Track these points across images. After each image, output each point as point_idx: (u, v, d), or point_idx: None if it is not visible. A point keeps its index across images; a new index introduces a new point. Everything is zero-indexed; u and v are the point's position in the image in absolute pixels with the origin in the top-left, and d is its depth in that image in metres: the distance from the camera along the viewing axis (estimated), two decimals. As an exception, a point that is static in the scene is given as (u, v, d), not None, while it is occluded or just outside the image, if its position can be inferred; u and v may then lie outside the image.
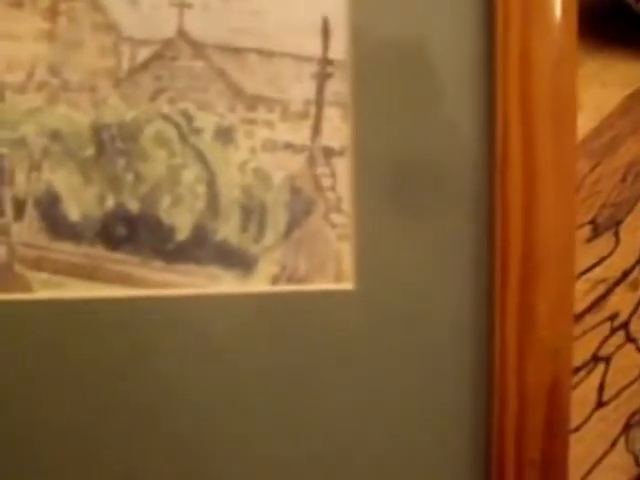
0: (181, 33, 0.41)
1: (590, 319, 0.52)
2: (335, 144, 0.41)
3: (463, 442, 0.43)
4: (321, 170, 0.41)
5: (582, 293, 0.52)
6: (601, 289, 0.52)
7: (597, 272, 0.52)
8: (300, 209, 0.41)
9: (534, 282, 0.40)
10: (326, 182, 0.41)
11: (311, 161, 0.41)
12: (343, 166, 0.41)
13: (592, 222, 0.52)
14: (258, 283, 0.41)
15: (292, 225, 0.41)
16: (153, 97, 0.41)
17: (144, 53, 0.41)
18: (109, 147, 0.41)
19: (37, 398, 0.41)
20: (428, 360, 0.41)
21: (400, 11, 0.41)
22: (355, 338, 0.41)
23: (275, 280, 0.41)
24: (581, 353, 0.52)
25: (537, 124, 0.38)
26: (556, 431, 0.40)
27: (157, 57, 0.41)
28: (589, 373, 0.52)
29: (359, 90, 0.41)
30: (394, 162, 0.41)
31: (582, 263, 0.52)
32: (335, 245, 0.41)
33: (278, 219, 0.41)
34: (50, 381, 0.41)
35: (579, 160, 0.51)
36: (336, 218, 0.41)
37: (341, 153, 0.41)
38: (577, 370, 0.52)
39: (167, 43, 0.41)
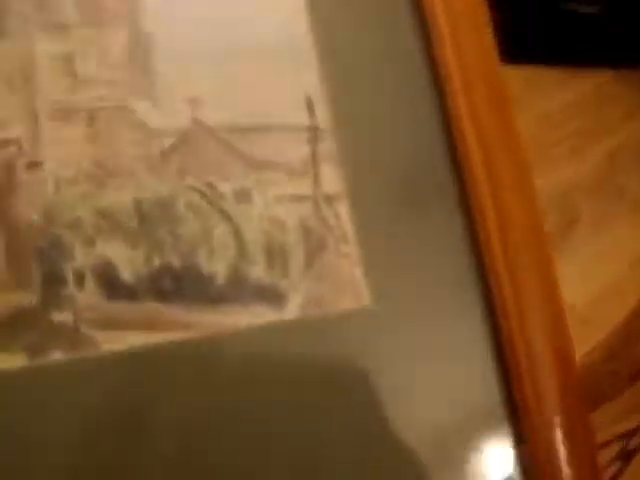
0: (196, 122, 0.57)
1: None
2: (332, 190, 0.57)
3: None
4: (326, 213, 0.57)
5: None
6: None
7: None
8: (314, 246, 0.56)
9: (517, 267, 0.55)
10: (332, 221, 0.56)
11: (316, 206, 0.57)
12: (343, 207, 0.57)
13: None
14: (290, 312, 0.55)
15: (310, 260, 0.56)
16: (181, 174, 0.56)
17: (169, 141, 0.56)
18: (150, 218, 0.55)
19: (119, 441, 0.52)
20: (445, 357, 0.55)
21: (365, 85, 0.58)
22: (376, 346, 0.55)
23: (304, 307, 0.55)
24: None
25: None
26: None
27: (180, 143, 0.57)
28: None
29: (345, 147, 0.57)
30: (381, 195, 0.57)
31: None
32: (349, 271, 0.56)
33: (298, 256, 0.56)
34: (122, 427, 0.52)
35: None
36: (345, 248, 0.56)
37: (338, 197, 0.57)
38: None
39: (186, 131, 0.56)
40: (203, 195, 0.58)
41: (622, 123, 0.79)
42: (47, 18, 0.59)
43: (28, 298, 0.55)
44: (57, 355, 0.54)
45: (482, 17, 0.58)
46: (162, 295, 0.56)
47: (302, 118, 0.60)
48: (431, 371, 0.57)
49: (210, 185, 0.58)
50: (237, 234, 0.57)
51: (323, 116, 0.60)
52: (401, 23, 0.61)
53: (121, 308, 0.56)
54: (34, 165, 0.57)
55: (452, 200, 0.59)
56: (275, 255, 0.57)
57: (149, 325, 0.56)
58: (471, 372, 0.58)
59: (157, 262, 0.56)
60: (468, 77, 0.58)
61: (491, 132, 0.58)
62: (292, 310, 0.57)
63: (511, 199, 0.59)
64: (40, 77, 0.58)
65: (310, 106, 0.60)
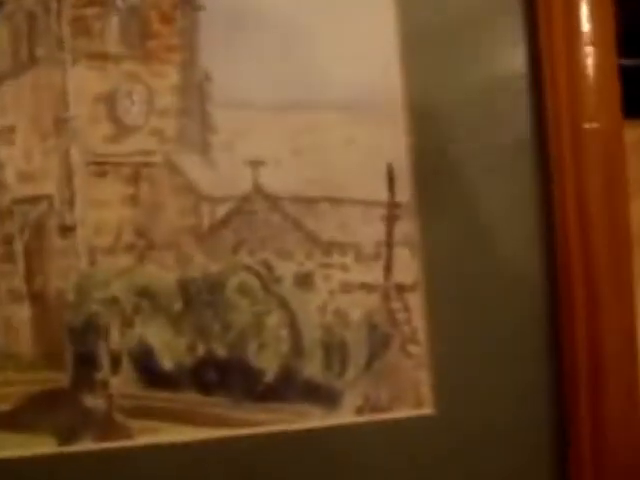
0: (256, 189, 0.49)
1: None
2: (407, 280, 0.50)
3: None
4: (395, 305, 0.50)
5: None
6: None
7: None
8: (378, 343, 0.50)
9: (602, 391, 0.49)
10: (401, 316, 0.50)
11: (385, 298, 0.50)
12: (416, 300, 0.50)
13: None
14: (344, 415, 0.50)
15: (372, 359, 0.50)
16: (234, 250, 0.49)
17: (223, 210, 0.49)
18: (196, 300, 0.49)
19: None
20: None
21: (460, 152, 0.49)
22: (437, 460, 0.50)
23: (359, 411, 0.50)
24: None
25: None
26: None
27: (236, 212, 0.49)
28: None
29: (426, 229, 0.49)
30: (464, 292, 0.49)
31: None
32: (413, 374, 0.50)
33: (359, 354, 0.50)
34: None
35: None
36: (412, 349, 0.50)
37: (413, 288, 0.50)
38: None
39: (244, 199, 0.49)
40: (258, 276, 0.51)
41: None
42: (86, 46, 0.50)
43: (59, 379, 0.50)
44: (87, 442, 0.51)
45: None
46: (204, 387, 0.51)
47: (380, 191, 0.51)
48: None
49: (267, 265, 0.51)
50: (293, 326, 0.51)
51: (405, 190, 0.51)
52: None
53: (159, 397, 0.51)
54: (67, 229, 0.50)
55: (542, 316, 0.52)
56: (334, 352, 0.51)
57: (188, 418, 0.51)
58: None
59: (201, 351, 0.51)
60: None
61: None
62: (345, 414, 0.52)
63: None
64: (76, 121, 0.50)
65: (391, 177, 0.51)
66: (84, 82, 0.50)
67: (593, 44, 0.52)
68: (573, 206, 0.49)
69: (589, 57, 0.51)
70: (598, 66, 0.51)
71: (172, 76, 0.50)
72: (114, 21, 0.50)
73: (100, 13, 0.50)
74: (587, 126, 0.49)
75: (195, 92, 0.50)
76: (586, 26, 0.51)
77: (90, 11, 0.50)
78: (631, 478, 0.53)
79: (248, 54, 0.50)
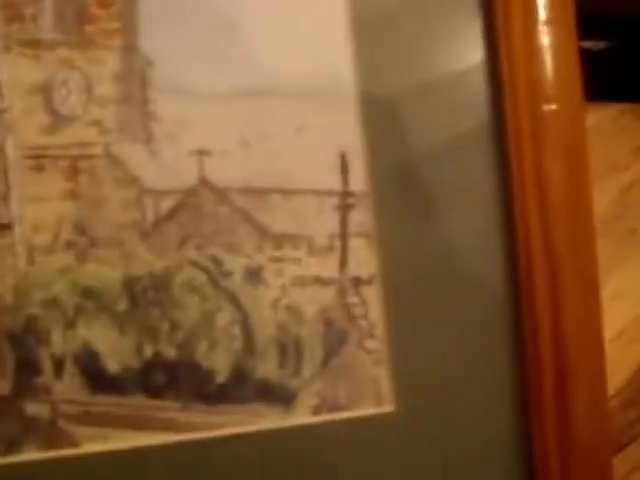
0: (203, 180, 0.46)
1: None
2: (363, 273, 0.48)
3: None
4: (351, 300, 0.48)
5: None
6: None
7: None
8: (335, 340, 0.48)
9: (567, 389, 0.47)
10: (357, 311, 0.48)
11: (341, 292, 0.48)
12: (373, 294, 0.48)
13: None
14: (300, 415, 0.48)
15: (328, 356, 0.48)
16: (180, 245, 0.47)
17: (168, 203, 0.47)
18: (142, 298, 0.47)
19: None
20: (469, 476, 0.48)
21: (415, 140, 0.47)
22: (399, 459, 0.48)
23: (316, 411, 0.48)
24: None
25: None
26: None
27: (181, 206, 0.47)
28: None
29: (383, 219, 0.47)
30: (423, 285, 0.48)
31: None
32: (372, 370, 0.48)
33: (314, 352, 0.48)
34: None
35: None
36: (370, 344, 0.48)
37: (370, 282, 0.48)
38: None
39: (190, 191, 0.46)
40: (206, 272, 0.49)
41: (634, 157, 0.72)
42: (18, 32, 0.47)
43: (-2, 386, 0.48)
44: (31, 452, 0.48)
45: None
46: (153, 390, 0.49)
47: (333, 180, 0.49)
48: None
49: (215, 260, 0.49)
50: (245, 323, 0.49)
51: (359, 178, 0.49)
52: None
53: (105, 402, 0.49)
54: (3, 227, 0.47)
55: (506, 313, 0.50)
56: (288, 350, 0.49)
57: (137, 423, 0.49)
58: None
59: (149, 352, 0.49)
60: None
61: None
62: (302, 414, 0.50)
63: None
64: (10, 112, 0.47)
65: (344, 166, 0.49)
66: (17, 71, 0.47)
67: (551, 23, 0.50)
68: (533, 191, 0.48)
69: (547, 36, 0.49)
70: (557, 46, 0.49)
71: (111, 62, 0.48)
72: (48, 5, 0.47)
73: (32, -3, 0.47)
74: (546, 108, 0.47)
75: (136, 79, 0.48)
76: (544, 4, 0.49)
77: (22, -5, 0.47)
78: (596, 474, 0.51)
79: (191, 39, 0.48)
